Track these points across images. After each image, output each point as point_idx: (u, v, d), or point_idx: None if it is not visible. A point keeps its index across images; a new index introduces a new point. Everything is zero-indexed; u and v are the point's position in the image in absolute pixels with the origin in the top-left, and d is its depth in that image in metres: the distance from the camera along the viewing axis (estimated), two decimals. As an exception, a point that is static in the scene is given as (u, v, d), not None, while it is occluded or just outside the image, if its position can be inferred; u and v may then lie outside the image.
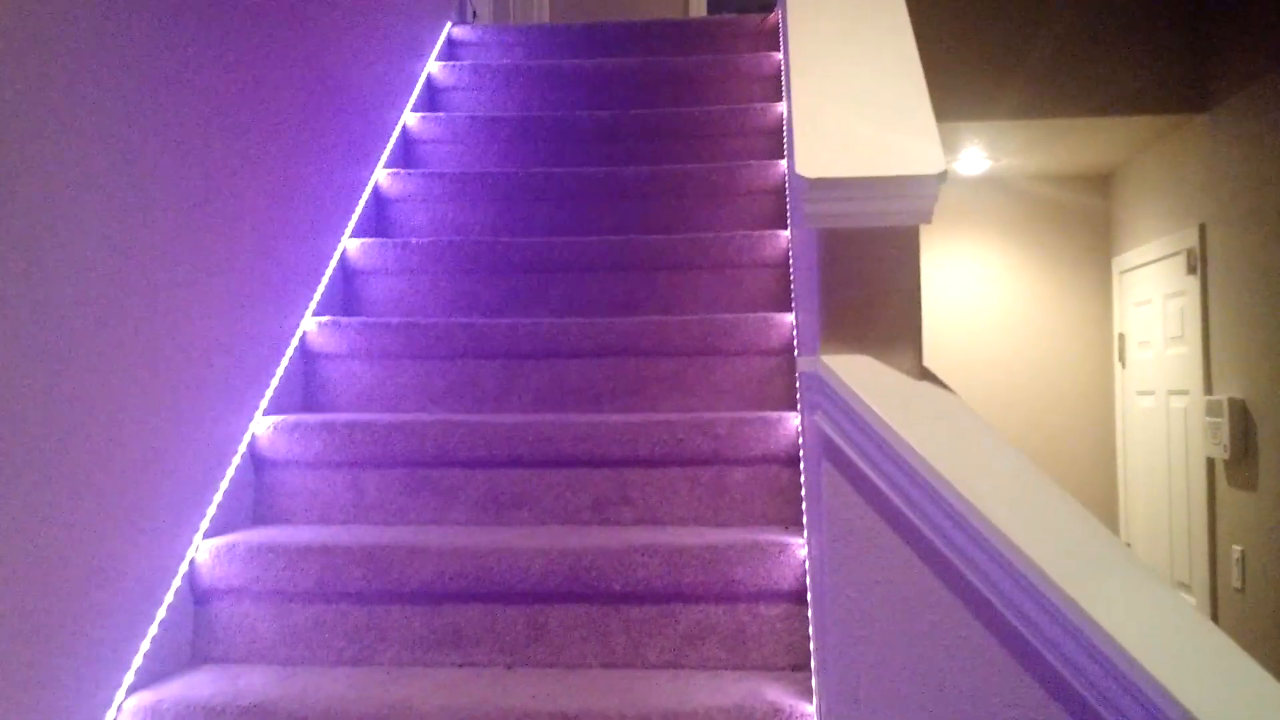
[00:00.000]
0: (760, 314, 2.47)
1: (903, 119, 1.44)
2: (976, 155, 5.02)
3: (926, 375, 1.39)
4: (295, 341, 2.47)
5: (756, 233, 2.72)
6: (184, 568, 1.92)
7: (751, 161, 3.05)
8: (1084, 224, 5.62)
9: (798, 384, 2.36)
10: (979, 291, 5.62)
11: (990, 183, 5.63)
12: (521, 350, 2.50)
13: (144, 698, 1.70)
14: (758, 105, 3.23)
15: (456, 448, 2.22)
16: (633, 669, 1.92)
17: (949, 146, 4.85)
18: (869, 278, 1.38)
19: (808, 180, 1.35)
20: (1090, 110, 4.39)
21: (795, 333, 2.41)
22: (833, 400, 1.34)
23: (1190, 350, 4.72)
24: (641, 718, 1.67)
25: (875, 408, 1.28)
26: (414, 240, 2.78)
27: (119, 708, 1.68)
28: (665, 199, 3.00)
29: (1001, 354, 5.58)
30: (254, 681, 1.82)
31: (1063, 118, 4.40)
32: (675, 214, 3.00)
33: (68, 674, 1.56)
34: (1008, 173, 5.46)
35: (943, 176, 1.34)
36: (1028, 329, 5.60)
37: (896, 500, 1.29)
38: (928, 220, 1.38)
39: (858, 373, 1.33)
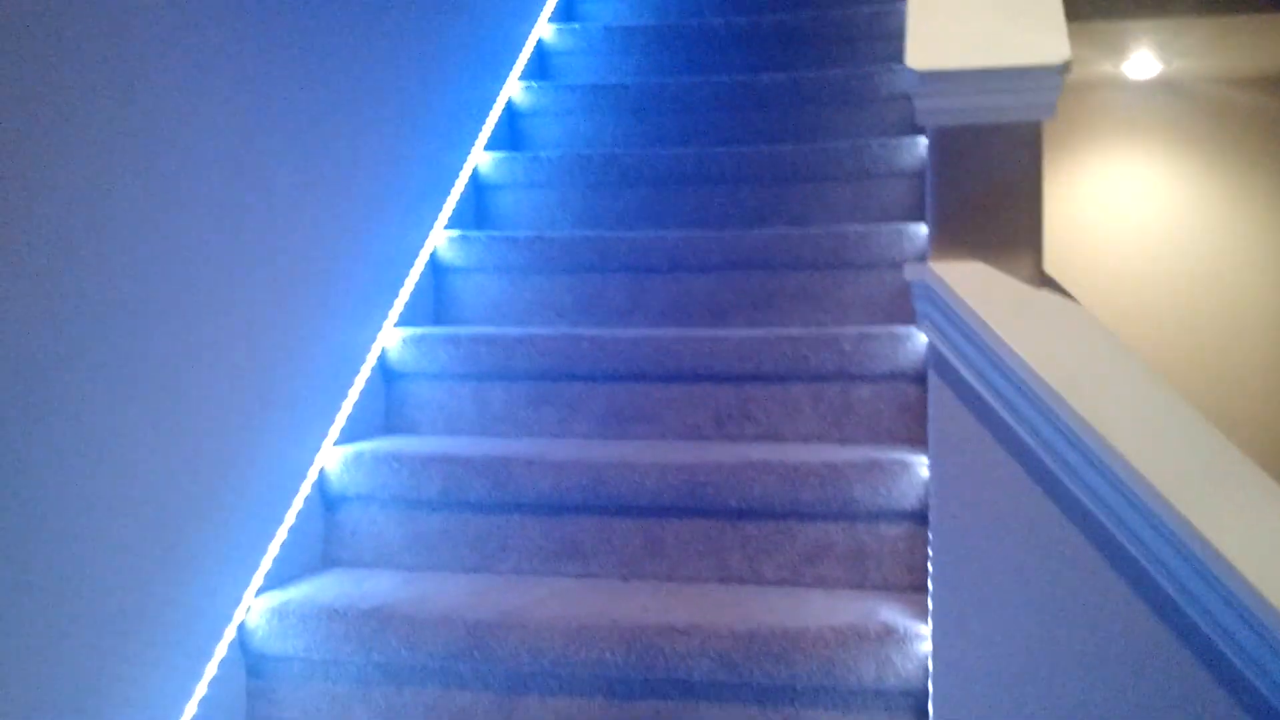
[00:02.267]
0: (893, 225, 2.36)
1: (1024, 7, 1.33)
2: (1146, 58, 4.66)
3: (1046, 283, 1.30)
4: (426, 255, 2.50)
5: (894, 140, 2.60)
6: (314, 474, 1.98)
7: (895, 65, 2.90)
8: (1269, 132, 5.18)
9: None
10: (1146, 207, 5.26)
11: (1162, 88, 5.22)
12: (648, 264, 2.46)
13: (272, 598, 1.78)
14: (900, 4, 3.07)
15: (580, 362, 2.21)
16: (748, 585, 1.90)
17: (1114, 48, 4.52)
18: (984, 178, 1.29)
19: (918, 73, 1.26)
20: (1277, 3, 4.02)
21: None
22: (940, 309, 1.26)
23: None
24: (751, 633, 1.65)
25: (984, 316, 1.20)
26: (543, 154, 2.77)
27: (248, 607, 1.76)
28: (801, 108, 2.90)
29: (1170, 278, 5.23)
30: (378, 585, 1.87)
31: (1245, 13, 4.03)
32: (810, 123, 2.90)
33: (198, 572, 1.63)
34: (1182, 76, 5.06)
35: (1066, 68, 1.23)
36: (1201, 249, 5.22)
37: (1006, 416, 1.21)
38: (1050, 115, 1.27)
39: (968, 280, 1.25)
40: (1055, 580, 1.20)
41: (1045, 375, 1.14)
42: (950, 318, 1.25)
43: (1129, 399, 1.16)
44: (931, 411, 1.27)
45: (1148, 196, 5.27)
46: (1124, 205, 5.29)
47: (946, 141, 1.30)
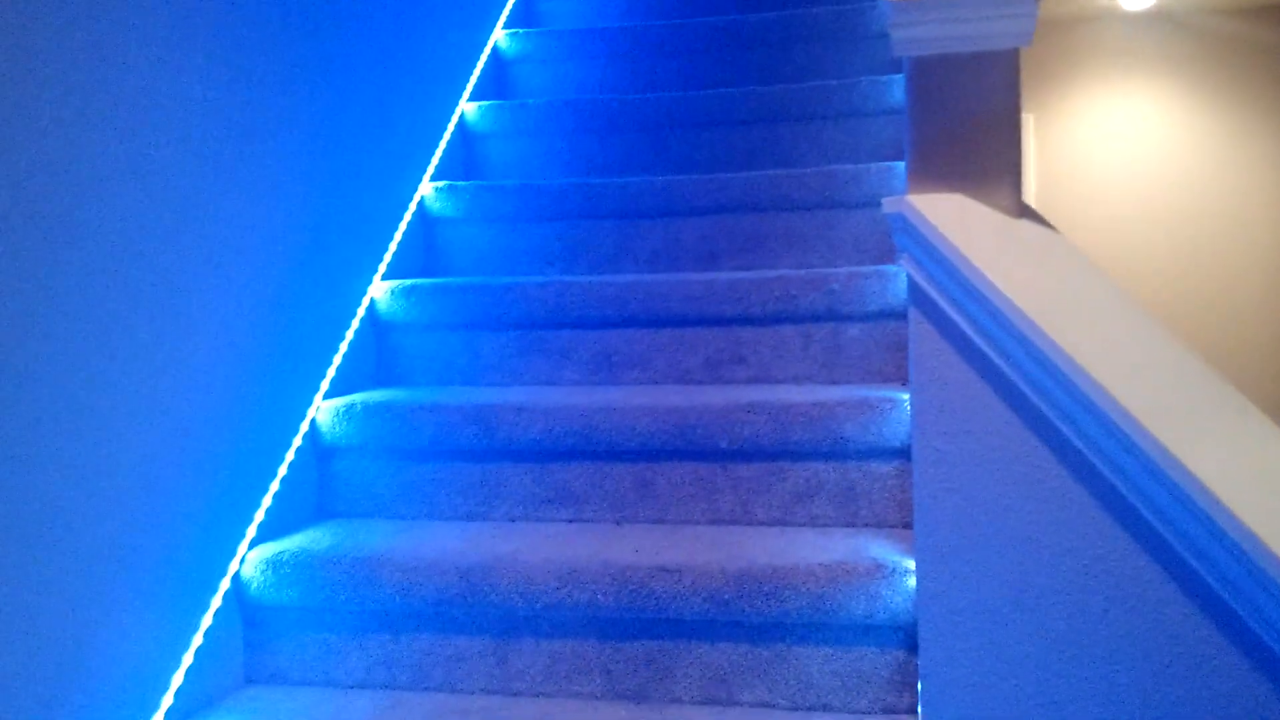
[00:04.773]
0: (883, 164, 2.34)
1: (1001, -70, 1.31)
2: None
3: (1027, 214, 1.29)
4: (414, 206, 2.49)
5: (884, 78, 2.57)
6: (306, 427, 1.99)
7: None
8: (1269, 65, 5.10)
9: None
10: (1142, 144, 5.20)
11: (1159, 19, 5.14)
12: (636, 210, 2.45)
13: (266, 549, 1.79)
14: (890, -59, 3.02)
15: (569, 309, 2.21)
16: (740, 526, 1.91)
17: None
18: (962, 109, 1.27)
19: (892, 3, 1.24)
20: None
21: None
22: (918, 242, 1.25)
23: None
24: (742, 572, 1.66)
25: (961, 248, 1.19)
26: (530, 101, 2.75)
27: (242, 559, 1.77)
28: (791, 47, 2.86)
29: (1168, 215, 5.16)
30: (371, 535, 1.88)
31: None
32: (800, 63, 2.86)
33: (191, 525, 1.64)
34: (1179, 7, 4.98)
35: (1042, -10, 1.21)
36: (1199, 186, 5.15)
37: (985, 348, 1.21)
38: (1026, 42, 1.26)
39: (946, 212, 1.24)
40: (1036, 511, 1.20)
41: (1023, 305, 1.14)
42: (928, 251, 1.24)
43: (1108, 329, 1.16)
44: (912, 346, 1.27)
45: (1143, 132, 5.21)
46: (1119, 142, 5.22)
47: (923, 73, 1.29)
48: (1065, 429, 1.15)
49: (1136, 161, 5.20)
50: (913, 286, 1.27)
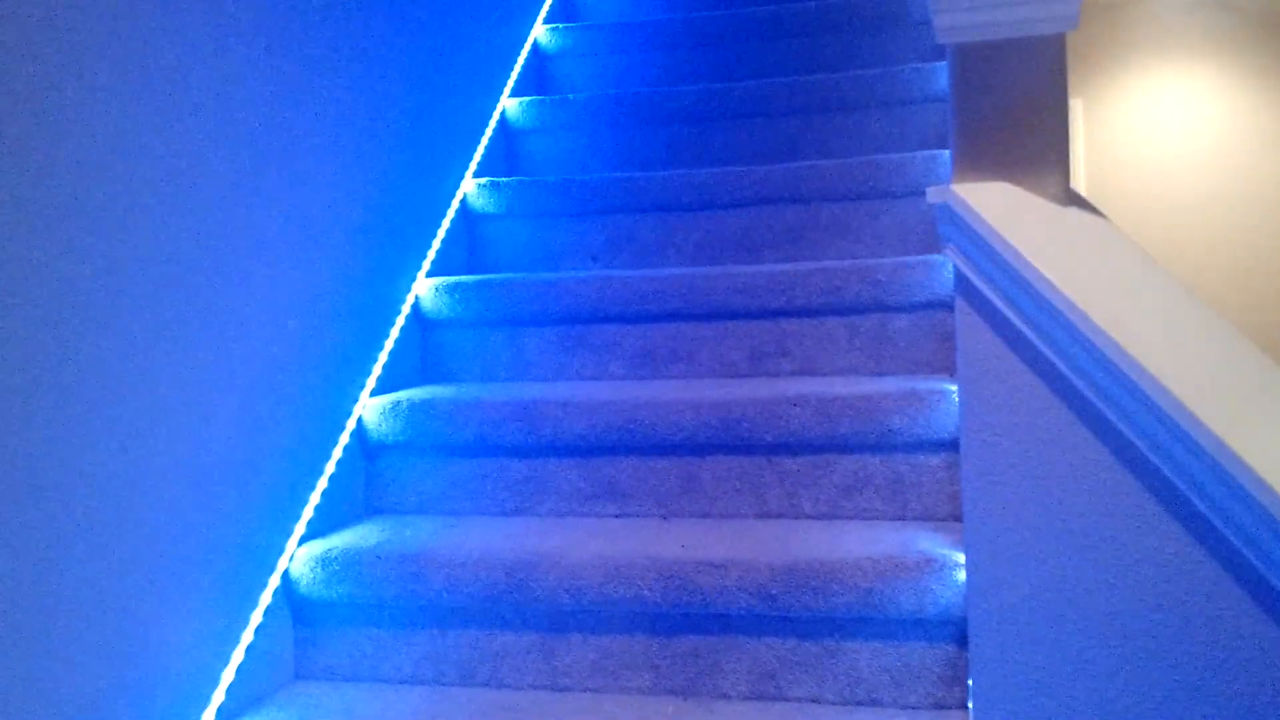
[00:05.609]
0: (928, 152, 2.32)
1: (1046, -89, 1.28)
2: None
3: (1074, 201, 1.26)
4: (456, 203, 2.50)
5: (927, 65, 2.54)
6: (352, 425, 2.00)
7: (925, -12, 2.83)
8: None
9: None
10: (1193, 128, 5.08)
11: (1200, 1, 5.02)
12: (679, 203, 2.44)
13: (315, 546, 1.80)
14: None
15: (612, 304, 2.20)
16: (786, 520, 1.90)
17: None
18: (1007, 96, 1.25)
19: (934, -11, 1.22)
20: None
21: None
22: (964, 232, 1.23)
23: None
24: (788, 567, 1.65)
25: (1008, 237, 1.17)
26: (571, 96, 2.74)
27: (292, 556, 1.79)
28: (831, 36, 2.84)
29: (1220, 201, 5.04)
30: (418, 531, 1.89)
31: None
32: (842, 52, 2.84)
33: (241, 523, 1.66)
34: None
35: (1089, -27, 1.18)
36: (1253, 171, 5.03)
37: (1034, 339, 1.19)
38: (1073, 26, 1.23)
39: (992, 201, 1.22)
40: (1088, 505, 1.18)
41: (1073, 296, 1.11)
42: (974, 240, 1.22)
43: (1162, 319, 1.13)
44: (959, 338, 1.25)
45: (1196, 116, 5.09)
46: (1171, 126, 5.11)
47: (967, 60, 1.26)
48: (1118, 421, 1.12)
49: (1189, 146, 5.09)
50: (959, 277, 1.25)
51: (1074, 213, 1.24)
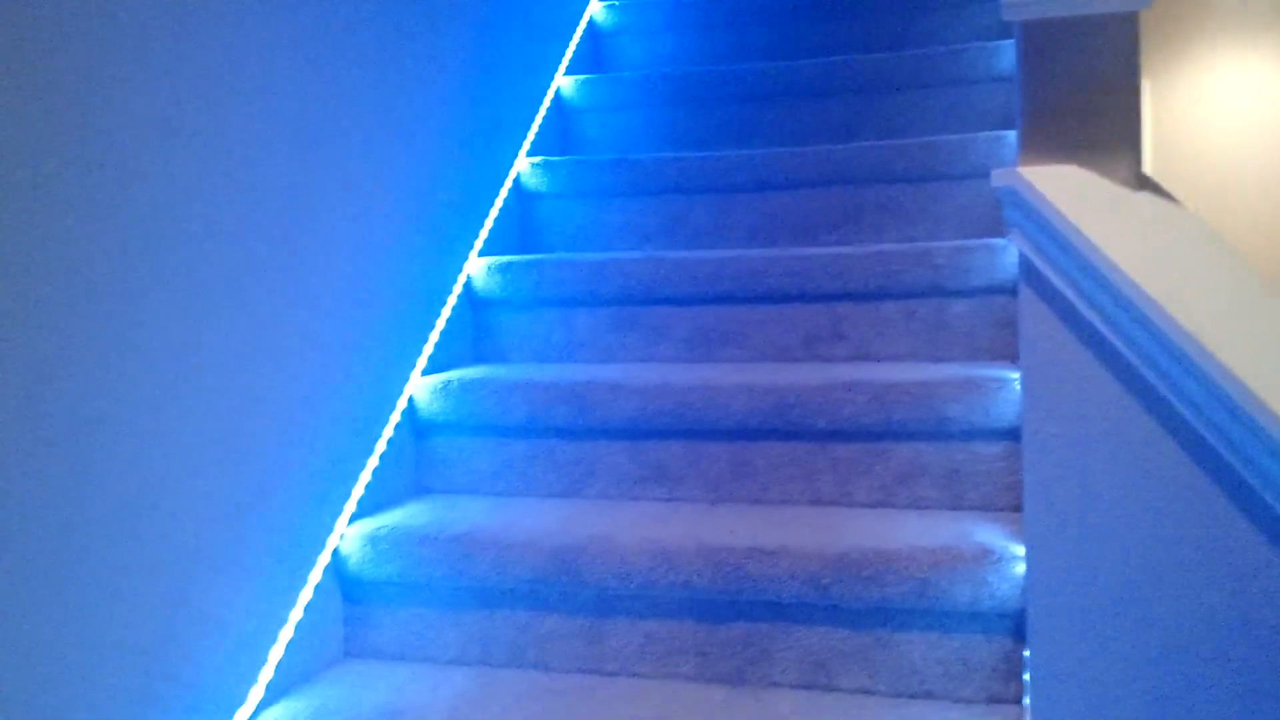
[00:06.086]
0: (990, 133, 2.26)
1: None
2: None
3: (1146, 185, 1.21)
4: (510, 182, 2.48)
5: (991, 44, 2.48)
6: (403, 404, 2.00)
7: (990, -36, 2.76)
8: None
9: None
10: (1267, 111, 4.92)
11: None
12: (733, 183, 2.41)
13: (364, 525, 1.80)
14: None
15: (664, 285, 2.18)
16: (839, 507, 1.87)
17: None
18: (1077, 75, 1.20)
19: (1004, -36, 1.18)
20: None
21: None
22: (1030, 216, 1.19)
23: None
24: (840, 555, 1.62)
25: (1077, 222, 1.13)
26: (625, 74, 2.71)
27: (342, 535, 1.79)
28: (892, 12, 2.78)
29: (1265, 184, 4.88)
30: (467, 512, 1.89)
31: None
32: (903, 29, 2.78)
33: (291, 500, 1.66)
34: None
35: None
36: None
37: (1103, 328, 1.14)
38: (1147, 3, 1.18)
39: (1060, 184, 1.18)
40: (1155, 499, 1.14)
41: (1144, 284, 1.07)
42: (1041, 225, 1.18)
43: (1236, 309, 1.09)
44: (1022, 325, 1.21)
45: (1268, 97, 4.94)
46: (1240, 108, 4.95)
47: (1035, 36, 1.22)
48: (1188, 414, 1.08)
49: (1260, 128, 4.94)
50: (1024, 263, 1.21)
51: (1146, 198, 1.19)
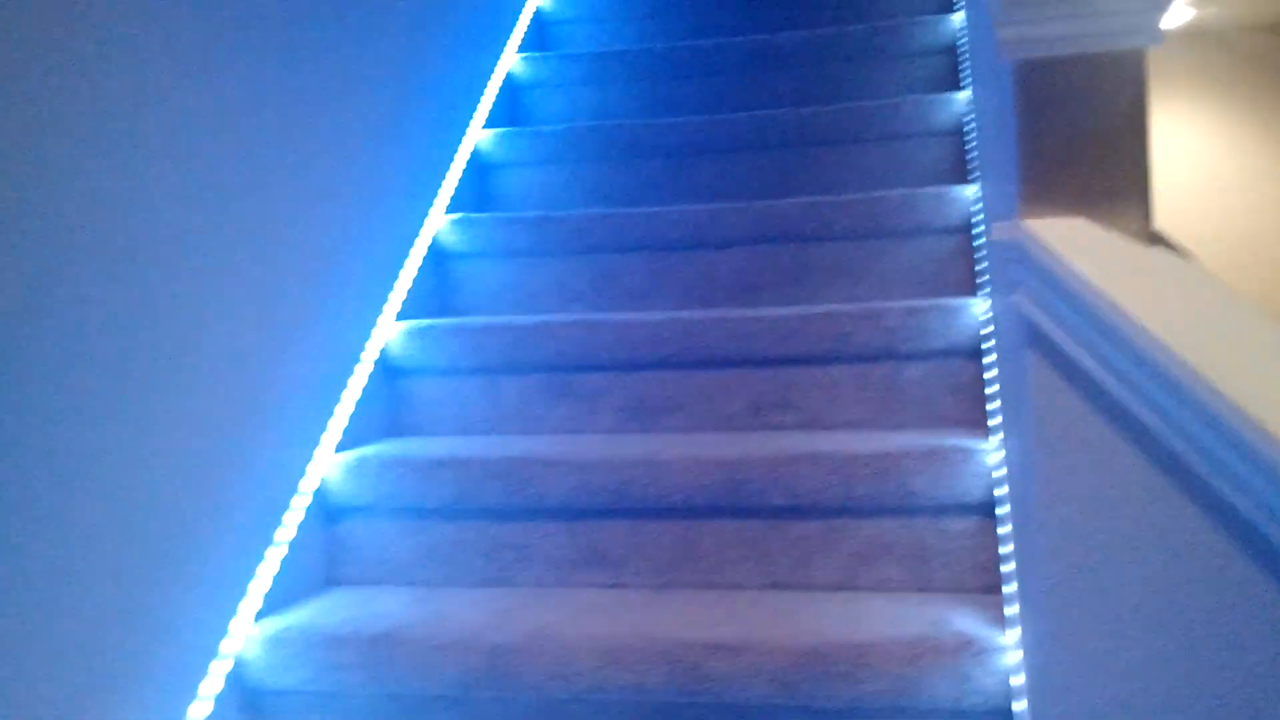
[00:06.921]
0: (934, 188, 2.16)
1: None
2: (1176, 3, 4.45)
3: (1157, 240, 1.10)
4: (426, 241, 2.31)
5: (928, 96, 2.40)
6: (311, 485, 1.79)
7: (921, 17, 2.70)
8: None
9: (979, 264, 2.06)
10: (1179, 166, 5.01)
11: (1194, 38, 4.97)
12: (666, 241, 2.26)
13: (269, 624, 1.59)
14: (925, -45, 2.87)
15: (598, 350, 2.02)
16: (798, 591, 1.71)
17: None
18: (1080, 119, 1.09)
19: (1001, -3, 1.06)
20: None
21: (981, 206, 2.10)
22: (1038, 274, 1.07)
23: None
24: (809, 650, 1.46)
25: (1094, 280, 1.00)
26: (546, 128, 2.57)
27: (244, 636, 1.57)
28: (823, 66, 2.70)
29: (1212, 240, 4.95)
30: (387, 605, 1.69)
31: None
32: (833, 84, 2.70)
33: (185, 601, 1.45)
34: (1217, 23, 4.81)
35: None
36: (1241, 208, 4.97)
37: (1124, 396, 1.02)
38: (1156, 40, 1.08)
39: (1070, 238, 1.05)
40: (1188, 588, 1.01)
41: (1179, 349, 0.95)
42: (1050, 283, 1.05)
43: (1270, 369, 0.97)
44: (1031, 393, 1.08)
45: (1180, 154, 5.03)
46: (1158, 162, 5.05)
47: (1034, 77, 1.10)
48: (1236, 499, 0.96)
49: (1174, 186, 5.02)
50: (1030, 328, 1.08)
51: (1159, 253, 1.08)
